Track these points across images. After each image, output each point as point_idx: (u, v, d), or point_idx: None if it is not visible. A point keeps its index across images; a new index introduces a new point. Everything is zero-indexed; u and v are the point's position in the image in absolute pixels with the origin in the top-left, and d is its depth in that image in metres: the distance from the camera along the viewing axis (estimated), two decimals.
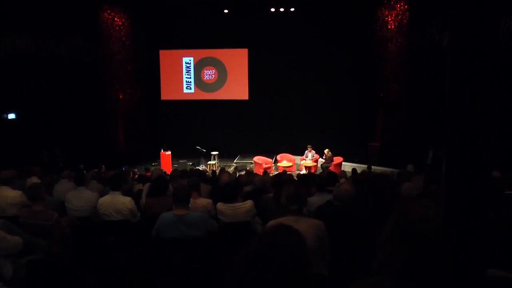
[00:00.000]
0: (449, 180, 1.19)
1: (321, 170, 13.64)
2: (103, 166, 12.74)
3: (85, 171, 9.16)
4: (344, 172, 11.11)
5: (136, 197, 5.82)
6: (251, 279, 1.39)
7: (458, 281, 1.25)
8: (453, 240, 1.23)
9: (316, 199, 4.63)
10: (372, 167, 13.15)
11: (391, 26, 14.73)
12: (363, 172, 10.57)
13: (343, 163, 15.39)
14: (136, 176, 10.78)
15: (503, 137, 10.43)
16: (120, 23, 15.92)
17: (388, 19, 14.84)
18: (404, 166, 11.54)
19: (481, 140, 1.14)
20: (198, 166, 15.47)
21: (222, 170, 12.46)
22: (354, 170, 11.40)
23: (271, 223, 2.96)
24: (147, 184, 6.01)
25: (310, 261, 1.47)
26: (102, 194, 5.64)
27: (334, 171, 11.30)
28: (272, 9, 16.65)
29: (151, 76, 18.20)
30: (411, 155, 13.15)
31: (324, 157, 15.05)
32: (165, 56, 18.71)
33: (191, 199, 4.30)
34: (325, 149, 15.06)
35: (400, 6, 14.39)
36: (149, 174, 10.25)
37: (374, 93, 15.91)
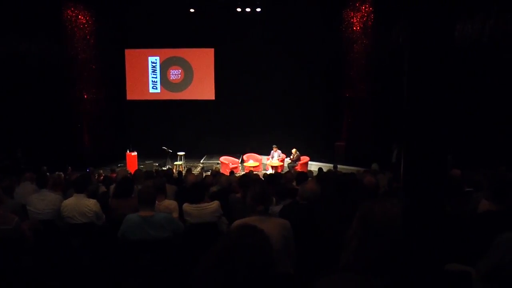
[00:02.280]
0: (407, 178, 1.24)
1: (287, 170, 13.73)
2: (70, 168, 12.46)
3: (48, 173, 8.94)
4: (310, 171, 11.20)
5: (101, 199, 5.72)
6: (217, 280, 1.39)
7: (418, 276, 1.29)
8: (412, 236, 1.27)
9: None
10: (338, 166, 13.34)
11: (357, 28, 14.96)
12: (328, 171, 10.69)
13: (309, 162, 15.55)
14: (101, 177, 10.60)
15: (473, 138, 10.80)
16: (84, 21, 15.56)
17: (353, 20, 15.07)
18: (370, 165, 11.74)
19: (437, 139, 1.20)
20: (164, 166, 15.31)
21: (189, 170, 12.41)
22: (320, 169, 11.53)
23: (236, 223, 2.97)
24: (113, 186, 5.93)
25: (274, 261, 1.48)
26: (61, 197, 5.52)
27: (301, 170, 11.40)
28: (239, 9, 16.65)
29: (117, 76, 17.91)
30: (376, 154, 13.39)
31: (291, 156, 15.17)
32: (131, 55, 18.45)
33: (156, 201, 4.26)
34: (292, 148, 15.19)
35: (365, 8, 14.63)
36: (114, 175, 10.09)
37: (340, 93, 16.12)
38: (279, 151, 15.49)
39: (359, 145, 15.11)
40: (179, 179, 9.24)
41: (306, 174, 6.86)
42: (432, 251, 1.26)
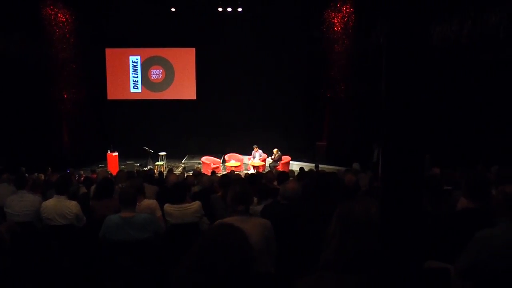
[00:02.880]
0: (385, 177, 1.26)
1: (269, 169, 13.76)
2: (50, 168, 12.28)
3: (26, 174, 8.81)
4: (292, 171, 11.25)
5: (81, 200, 5.66)
6: (197, 279, 1.39)
7: (398, 273, 1.31)
8: (390, 234, 1.29)
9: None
10: (320, 165, 13.42)
11: (338, 28, 15.06)
12: (310, 170, 10.74)
13: (291, 162, 15.61)
14: (82, 178, 10.49)
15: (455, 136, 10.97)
16: (64, 19, 15.32)
17: (334, 21, 15.17)
18: (351, 164, 11.83)
19: (414, 139, 1.22)
20: (145, 167, 15.22)
21: (170, 171, 12.35)
22: (301, 169, 11.57)
23: (216, 223, 2.97)
24: (94, 186, 5.87)
25: (254, 259, 1.48)
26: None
27: (282, 170, 11.43)
28: (220, 9, 16.63)
29: (97, 75, 17.71)
30: (357, 154, 13.51)
31: (273, 156, 15.21)
32: (111, 54, 18.29)
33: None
34: (274, 148, 15.22)
35: (346, 8, 14.75)
36: (95, 176, 9.99)
37: (321, 93, 16.21)
38: (260, 151, 15.53)
39: (340, 145, 15.23)
40: (161, 180, 9.18)
41: (287, 174, 6.88)
42: (410, 249, 1.28)
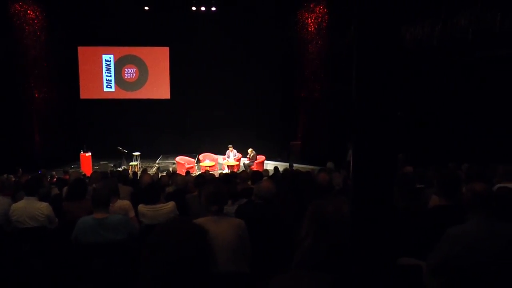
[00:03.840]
0: (356, 175, 1.28)
1: (243, 169, 13.76)
2: (20, 170, 12.02)
3: None
4: (266, 170, 11.26)
5: (54, 201, 5.56)
6: (153, 276, 1.38)
7: (370, 270, 1.33)
8: (361, 232, 1.31)
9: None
10: (294, 165, 13.48)
11: (311, 28, 15.16)
12: (284, 170, 10.79)
13: (265, 161, 15.65)
14: (54, 179, 10.31)
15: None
16: (34, 16, 14.95)
17: (308, 21, 15.27)
18: (325, 164, 11.91)
19: (384, 138, 1.24)
20: (119, 167, 15.05)
21: (144, 171, 12.24)
22: (276, 168, 11.60)
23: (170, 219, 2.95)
24: (66, 188, 5.78)
25: (210, 256, 1.46)
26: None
27: (257, 169, 11.44)
28: (193, 8, 16.55)
29: (70, 74, 17.40)
30: (331, 153, 13.61)
31: (247, 156, 15.23)
32: (84, 53, 18.00)
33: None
34: (248, 148, 15.24)
35: (320, 9, 14.86)
36: (67, 177, 9.84)
37: (295, 93, 16.29)
38: (235, 151, 15.53)
39: (314, 144, 15.34)
40: (135, 180, 9.11)
41: (261, 173, 6.89)
42: (382, 246, 1.30)
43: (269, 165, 15.09)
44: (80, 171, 12.33)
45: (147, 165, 16.10)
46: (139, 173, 12.48)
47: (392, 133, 1.19)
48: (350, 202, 1.35)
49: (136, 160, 15.56)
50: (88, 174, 10.81)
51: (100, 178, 6.86)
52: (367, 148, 1.16)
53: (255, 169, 13.73)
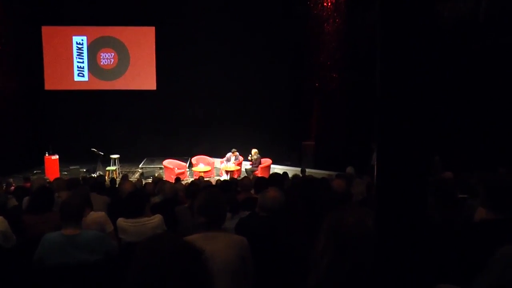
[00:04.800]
0: (382, 183, 1.27)
1: (245, 175, 13.76)
2: None
3: None
4: (274, 176, 11.27)
5: (11, 214, 5.57)
6: None
7: None
8: (388, 251, 1.31)
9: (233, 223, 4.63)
10: (307, 170, 13.48)
11: (328, 4, 15.10)
12: (295, 176, 10.80)
13: (272, 166, 15.62)
14: (12, 188, 10.33)
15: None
16: None
17: None
18: (344, 168, 11.91)
19: (417, 136, 1.23)
20: (94, 173, 15.07)
21: (124, 177, 12.27)
22: (285, 174, 11.60)
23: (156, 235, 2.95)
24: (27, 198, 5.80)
25: (205, 281, 1.46)
26: None
27: (262, 176, 11.46)
28: None
29: (32, 60, 17.43)
30: (352, 155, 13.58)
31: (250, 158, 15.20)
32: (50, 34, 18.03)
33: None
34: (252, 149, 15.21)
35: None
36: (28, 184, 9.87)
37: (308, 83, 16.24)
38: (238, 154, 15.51)
39: (331, 145, 15.28)
40: (113, 189, 9.14)
41: (267, 180, 6.90)
42: (414, 269, 1.30)
43: (276, 170, 15.08)
44: (45, 177, 12.34)
45: (128, 170, 16.13)
46: (118, 180, 12.50)
47: (426, 131, 1.18)
48: (374, 214, 1.35)
49: (115, 164, 15.58)
50: None
51: (65, 186, 6.88)
52: (395, 149, 1.15)
53: (259, 175, 13.73)
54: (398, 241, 1.28)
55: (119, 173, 15.17)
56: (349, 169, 11.64)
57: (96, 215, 4.81)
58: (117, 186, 9.78)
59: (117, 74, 18.45)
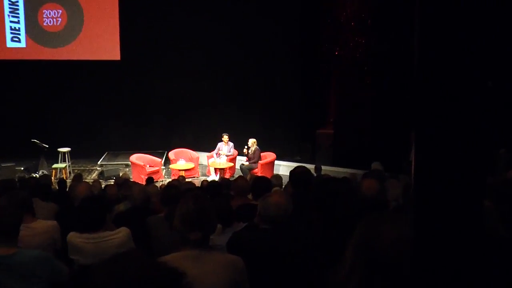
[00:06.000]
0: (421, 186, 1.29)
1: (240, 174, 13.74)
2: None
3: None
4: (278, 176, 11.28)
5: None
6: None
7: None
8: (433, 271, 1.33)
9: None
10: (323, 167, 13.47)
11: None
12: (306, 174, 10.80)
13: (276, 162, 15.62)
14: None
15: None
16: None
17: None
18: (370, 164, 11.92)
19: (468, 124, 1.23)
20: (35, 172, 15.07)
21: (77, 178, 12.27)
22: (308, 172, 11.60)
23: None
24: None
25: None
26: None
27: (263, 175, 11.47)
28: None
29: None
30: (382, 149, 13.55)
31: (246, 151, 15.13)
32: None
33: (22, 224, 4.19)
34: (249, 139, 15.15)
35: None
36: None
37: (324, 53, 16.14)
38: (232, 144, 15.47)
39: (354, 134, 15.25)
40: (62, 193, 9.15)
41: (270, 181, 6.92)
42: None
43: (282, 168, 15.10)
44: None
45: (82, 168, 16.16)
46: (69, 181, 12.52)
47: (487, 115, 1.18)
48: (412, 224, 1.36)
49: (64, 161, 15.59)
50: None
51: None
52: (441, 139, 1.15)
53: (259, 174, 13.73)
54: (445, 260, 1.30)
55: (70, 172, 15.17)
56: (375, 165, 11.61)
57: (46, 225, 4.83)
58: (67, 189, 9.80)
59: (66, 39, 18.29)
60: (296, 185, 6.28)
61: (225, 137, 15.48)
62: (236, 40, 17.09)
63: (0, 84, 17.84)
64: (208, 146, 15.84)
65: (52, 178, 13.91)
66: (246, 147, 15.17)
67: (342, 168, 14.00)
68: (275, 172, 14.61)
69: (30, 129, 16.13)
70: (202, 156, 16.32)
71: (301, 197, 5.40)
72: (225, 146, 15.40)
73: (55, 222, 4.94)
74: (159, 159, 16.12)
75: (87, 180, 12.89)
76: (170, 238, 4.88)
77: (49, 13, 18.20)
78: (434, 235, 1.28)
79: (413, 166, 1.29)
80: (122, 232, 4.76)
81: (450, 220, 1.25)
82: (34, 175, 14.02)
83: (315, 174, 12.13)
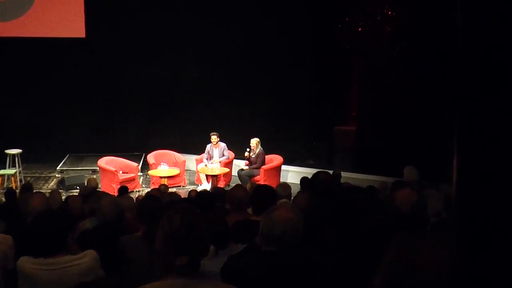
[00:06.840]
0: (463, 199, 1.30)
1: (238, 183, 13.74)
2: None
3: None
4: (286, 185, 11.29)
5: None
6: None
7: None
8: None
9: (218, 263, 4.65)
10: (342, 174, 13.49)
11: None
12: (320, 181, 10.82)
13: (283, 167, 15.64)
14: None
15: None
16: None
17: None
18: (401, 171, 11.90)
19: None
20: None
21: (28, 188, 12.26)
22: (304, 179, 11.64)
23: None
24: None
25: None
26: None
27: (266, 184, 11.50)
28: None
29: None
30: (417, 152, 13.57)
31: (247, 154, 15.15)
32: None
33: None
34: (251, 139, 15.16)
35: None
36: None
37: (344, 34, 16.13)
38: (223, 145, 15.48)
39: (382, 132, 15.25)
40: (10, 206, 9.16)
41: (275, 192, 6.94)
42: None
43: (291, 174, 15.15)
44: None
45: (37, 175, 16.20)
46: (19, 191, 12.54)
47: None
48: (455, 245, 1.37)
49: (15, 165, 15.62)
50: None
51: None
52: (487, 143, 1.16)
53: (262, 182, 13.77)
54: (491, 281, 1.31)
55: (21, 180, 15.21)
56: (410, 172, 11.53)
57: None
58: (17, 201, 9.81)
59: (17, 11, 18.36)
60: (316, 196, 6.28)
61: (214, 138, 15.45)
62: (237, 19, 17.11)
63: None
64: (198, 148, 15.86)
65: None
66: (247, 149, 15.15)
67: (367, 175, 14.05)
68: (281, 179, 14.67)
69: None
70: (190, 160, 16.34)
71: (319, 211, 5.41)
72: (216, 149, 15.36)
73: (8, 236, 4.95)
74: (135, 164, 16.14)
75: (42, 190, 12.90)
76: (148, 263, 4.89)
77: None
78: (482, 260, 1.30)
79: (455, 173, 1.30)
80: (88, 256, 4.76)
81: (503, 242, 1.25)
82: None
83: (331, 179, 12.15)
